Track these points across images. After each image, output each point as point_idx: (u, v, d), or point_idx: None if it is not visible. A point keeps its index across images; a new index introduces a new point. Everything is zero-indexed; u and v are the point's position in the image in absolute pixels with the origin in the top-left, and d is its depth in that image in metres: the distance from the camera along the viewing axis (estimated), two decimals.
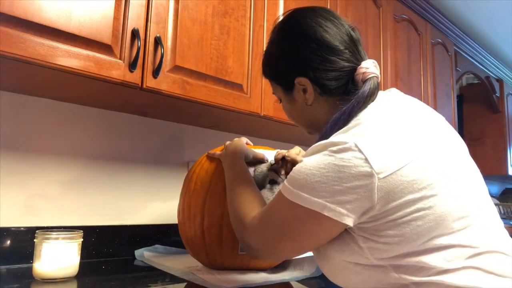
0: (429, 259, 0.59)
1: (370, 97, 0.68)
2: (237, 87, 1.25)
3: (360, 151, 0.58)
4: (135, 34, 1.00)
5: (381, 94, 0.72)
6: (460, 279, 0.58)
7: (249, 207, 0.78)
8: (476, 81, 3.31)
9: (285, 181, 0.66)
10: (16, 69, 0.91)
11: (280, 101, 0.84)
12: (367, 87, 0.69)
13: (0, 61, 0.85)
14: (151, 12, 1.05)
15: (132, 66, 1.00)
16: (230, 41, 1.24)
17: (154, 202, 1.41)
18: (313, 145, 0.65)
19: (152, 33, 1.04)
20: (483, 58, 3.05)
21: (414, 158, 0.59)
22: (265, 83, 1.33)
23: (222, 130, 1.60)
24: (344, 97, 0.72)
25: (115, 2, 0.99)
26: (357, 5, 1.80)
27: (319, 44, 0.72)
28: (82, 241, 0.98)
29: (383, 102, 0.69)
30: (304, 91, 0.75)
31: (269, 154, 1.08)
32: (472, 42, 2.83)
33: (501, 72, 3.37)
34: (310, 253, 1.30)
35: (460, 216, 0.60)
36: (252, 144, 1.10)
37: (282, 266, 1.12)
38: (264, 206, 0.74)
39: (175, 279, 0.97)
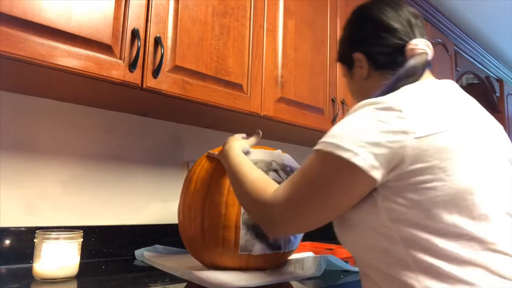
0: (439, 241, 0.60)
1: (415, 70, 0.73)
2: (237, 87, 1.25)
3: (399, 109, 0.62)
4: (135, 34, 1.00)
5: (433, 79, 0.76)
6: (461, 272, 0.59)
7: (264, 184, 0.77)
8: (476, 81, 3.30)
9: (321, 140, 0.68)
10: (16, 69, 0.91)
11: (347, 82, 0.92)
12: (413, 62, 0.73)
13: (0, 61, 0.85)
14: (151, 12, 1.05)
15: (132, 66, 1.00)
16: (230, 41, 1.24)
17: (154, 202, 1.41)
18: (356, 105, 0.69)
19: (152, 33, 1.05)
20: (483, 58, 3.05)
21: (448, 129, 0.63)
22: (265, 83, 1.33)
23: (222, 130, 1.60)
24: (394, 72, 0.75)
25: (115, 2, 0.99)
26: (357, 5, 1.80)
27: (375, 23, 0.80)
28: (82, 241, 0.98)
29: (433, 83, 0.73)
30: (361, 67, 0.83)
31: (269, 154, 1.08)
32: (472, 42, 2.83)
33: (501, 72, 3.37)
34: (310, 253, 1.30)
35: (482, 204, 0.62)
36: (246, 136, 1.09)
37: (282, 266, 1.12)
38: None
39: (175, 279, 0.97)
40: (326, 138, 0.67)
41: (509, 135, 3.11)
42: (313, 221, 0.70)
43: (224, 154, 0.95)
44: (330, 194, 0.65)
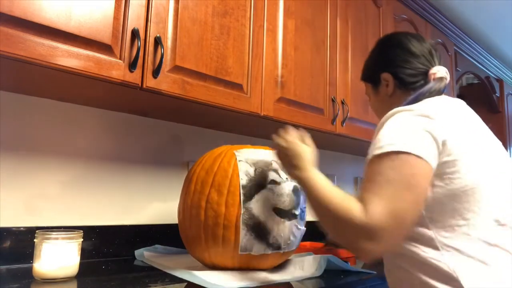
0: (469, 225, 0.72)
1: (436, 90, 0.87)
2: (237, 87, 1.25)
3: (430, 115, 0.76)
4: (135, 34, 1.00)
5: (447, 97, 0.89)
6: (487, 255, 0.70)
7: (348, 202, 0.72)
8: (476, 81, 3.30)
9: (374, 146, 0.75)
10: (16, 69, 0.91)
11: (370, 100, 1.05)
12: (432, 84, 0.88)
13: (0, 61, 0.85)
14: (151, 12, 1.05)
15: (132, 66, 1.00)
16: (230, 41, 1.24)
17: (154, 202, 1.41)
18: (389, 112, 0.81)
19: (152, 33, 1.05)
20: (483, 58, 3.05)
21: (467, 131, 0.78)
22: (265, 83, 1.33)
23: (222, 130, 1.60)
24: (415, 91, 0.90)
25: (115, 2, 0.99)
26: (357, 5, 1.80)
27: (403, 49, 0.95)
28: (82, 241, 0.98)
29: (448, 98, 0.87)
30: (387, 86, 0.96)
31: (269, 154, 1.08)
32: (472, 42, 2.83)
33: (501, 72, 3.37)
34: (310, 253, 1.30)
35: (502, 195, 0.76)
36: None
37: (282, 266, 1.12)
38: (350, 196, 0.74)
39: (175, 279, 0.97)
40: (381, 143, 0.74)
41: (509, 135, 3.10)
42: (411, 219, 0.71)
43: (300, 167, 0.85)
44: (415, 185, 0.70)
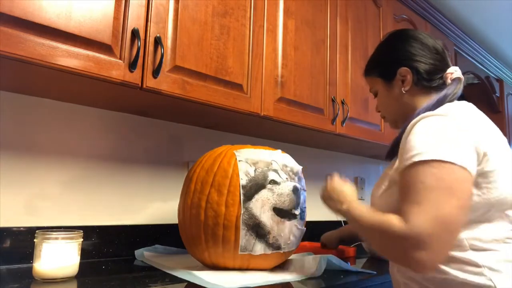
0: (496, 228, 0.76)
1: (456, 94, 0.87)
2: (237, 87, 1.25)
3: (463, 121, 0.76)
4: (135, 34, 1.00)
5: (465, 102, 0.88)
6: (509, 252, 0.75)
7: (386, 217, 0.74)
8: (476, 81, 3.30)
9: (411, 152, 0.74)
10: (16, 69, 0.91)
11: (375, 96, 1.01)
12: (454, 86, 0.88)
13: (0, 61, 0.85)
14: (151, 12, 1.05)
15: (132, 66, 1.00)
16: (230, 41, 1.24)
17: (154, 202, 1.41)
18: (420, 115, 0.79)
19: (152, 33, 1.05)
20: (483, 58, 3.05)
21: (497, 141, 0.80)
22: (265, 83, 1.33)
23: (222, 130, 1.60)
24: (432, 91, 0.90)
25: (115, 2, 0.99)
26: (357, 5, 1.80)
27: (420, 43, 0.93)
28: (82, 241, 0.98)
29: (469, 104, 0.87)
30: (403, 81, 0.93)
31: (269, 154, 1.08)
32: (472, 42, 2.83)
33: (501, 72, 3.36)
34: (310, 253, 1.30)
35: None
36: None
37: (282, 266, 1.12)
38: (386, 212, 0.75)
39: (175, 279, 0.97)
40: (420, 149, 0.73)
41: (509, 135, 3.10)
42: (458, 224, 0.71)
43: (344, 201, 0.90)
44: (458, 190, 0.70)
